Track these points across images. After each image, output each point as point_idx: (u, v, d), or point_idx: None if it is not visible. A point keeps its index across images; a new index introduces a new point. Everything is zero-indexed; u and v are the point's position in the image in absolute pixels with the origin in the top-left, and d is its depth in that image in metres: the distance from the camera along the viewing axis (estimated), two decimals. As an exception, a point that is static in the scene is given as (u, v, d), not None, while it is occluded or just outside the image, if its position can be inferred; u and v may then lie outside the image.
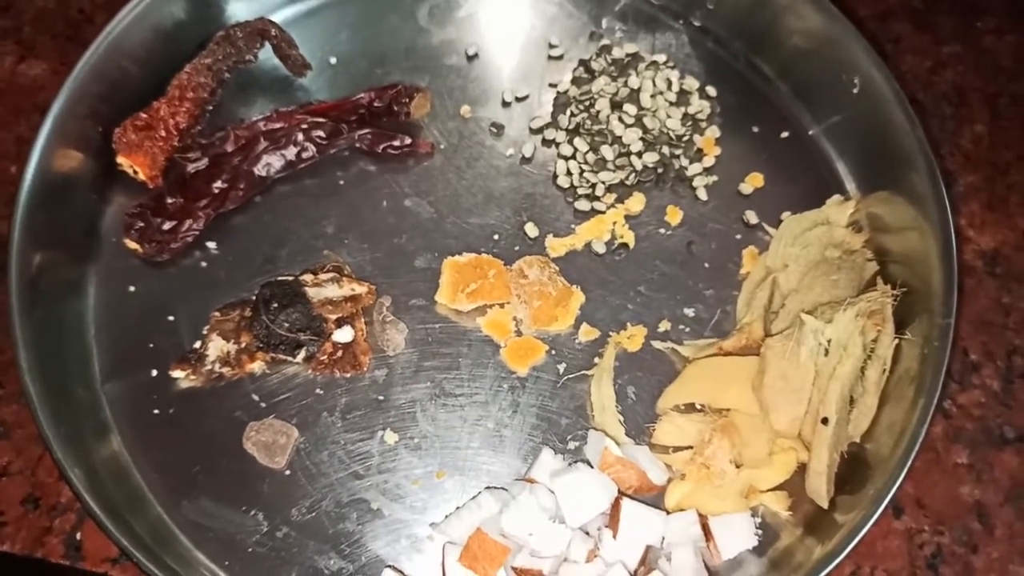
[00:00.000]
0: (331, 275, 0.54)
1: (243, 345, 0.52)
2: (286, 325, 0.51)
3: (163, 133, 0.56)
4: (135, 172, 0.56)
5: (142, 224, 0.55)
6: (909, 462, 0.46)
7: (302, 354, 0.52)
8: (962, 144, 0.65)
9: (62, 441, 0.47)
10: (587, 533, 0.48)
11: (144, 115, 0.56)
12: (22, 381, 0.47)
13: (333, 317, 0.52)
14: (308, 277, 0.54)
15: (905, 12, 0.70)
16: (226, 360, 0.52)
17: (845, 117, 0.60)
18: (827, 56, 0.60)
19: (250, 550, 0.48)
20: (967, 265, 0.60)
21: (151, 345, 0.53)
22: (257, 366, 0.52)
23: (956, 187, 0.63)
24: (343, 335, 0.53)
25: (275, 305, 0.51)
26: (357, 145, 0.59)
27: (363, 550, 0.49)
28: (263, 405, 0.52)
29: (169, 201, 0.55)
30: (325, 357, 0.52)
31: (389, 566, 0.48)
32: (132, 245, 0.55)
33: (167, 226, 0.55)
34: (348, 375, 0.53)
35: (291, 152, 0.58)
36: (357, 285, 0.53)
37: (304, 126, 0.58)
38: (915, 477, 0.53)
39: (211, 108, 0.60)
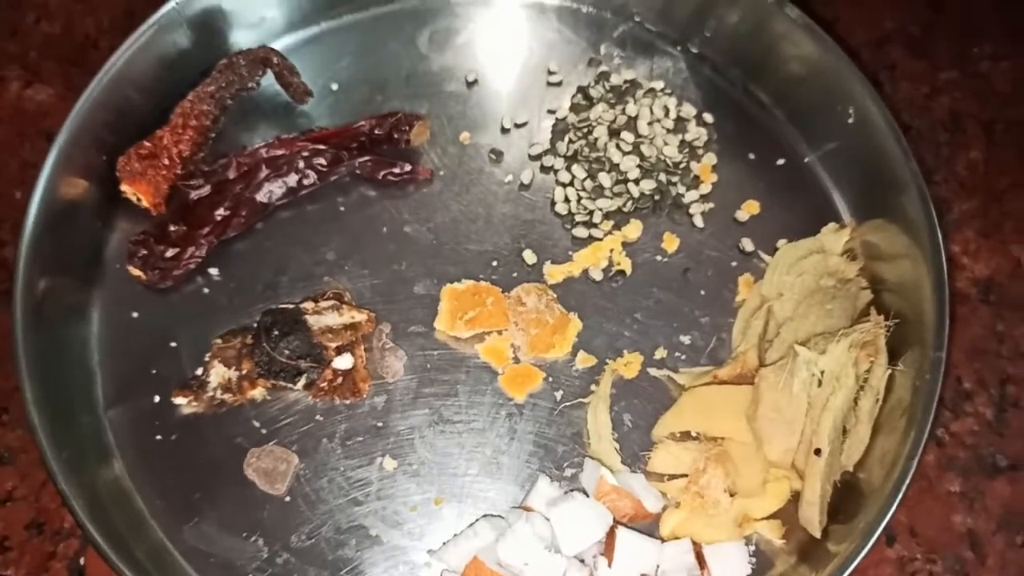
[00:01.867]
0: (331, 303, 0.54)
1: (244, 372, 0.53)
2: (287, 352, 0.52)
3: (166, 161, 0.57)
4: (138, 200, 0.57)
5: (145, 252, 0.55)
6: (901, 492, 0.46)
7: (302, 381, 0.53)
8: (957, 171, 0.65)
9: (64, 468, 0.47)
10: (582, 561, 0.48)
11: (148, 143, 0.57)
12: (26, 409, 0.48)
13: (333, 345, 0.53)
14: (309, 305, 0.54)
15: (902, 38, 0.71)
16: (227, 387, 0.53)
17: (840, 145, 0.61)
18: (822, 84, 0.61)
19: (250, 576, 0.49)
20: (961, 292, 0.60)
21: (153, 371, 0.54)
22: (258, 392, 0.53)
23: (951, 214, 0.63)
24: (343, 362, 0.53)
25: (276, 333, 0.52)
26: (357, 172, 0.60)
27: (361, 577, 0.49)
28: (264, 431, 0.53)
29: (172, 228, 0.56)
30: (325, 384, 0.53)
31: (387, 593, 0.48)
32: (135, 272, 0.55)
33: (170, 253, 0.56)
34: (348, 401, 0.53)
35: (292, 179, 0.58)
36: (357, 313, 0.54)
37: (305, 153, 0.59)
38: (908, 505, 0.54)
39: (213, 135, 0.61)
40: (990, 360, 0.58)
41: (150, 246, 0.56)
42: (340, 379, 0.53)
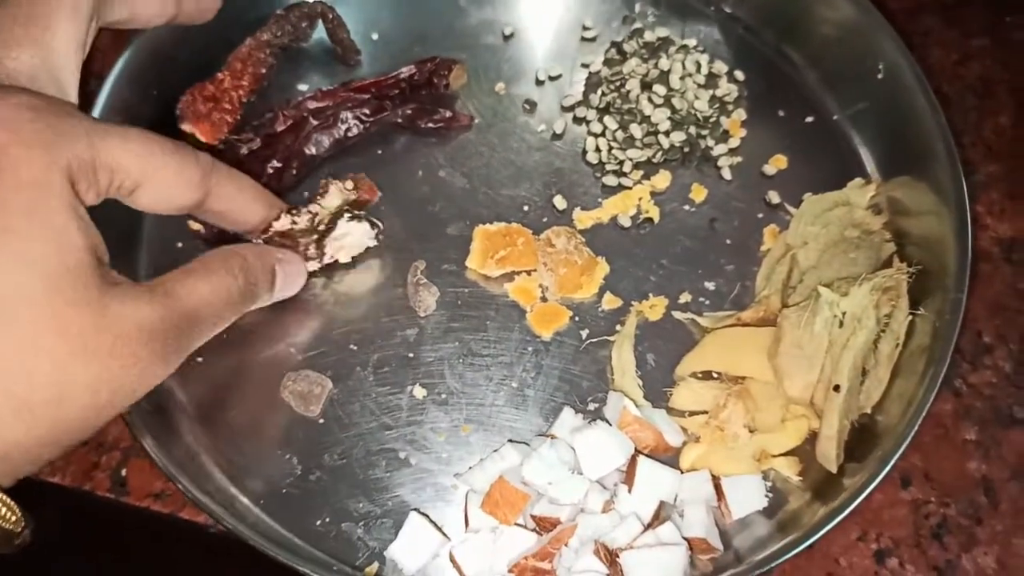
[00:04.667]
0: (348, 192, 0.53)
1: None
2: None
3: (227, 105, 0.59)
4: (197, 140, 0.58)
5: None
6: (916, 427, 0.47)
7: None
8: (985, 135, 0.66)
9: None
10: (604, 487, 0.50)
11: (210, 86, 0.59)
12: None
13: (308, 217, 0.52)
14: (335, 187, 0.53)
15: (935, 6, 0.72)
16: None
17: (870, 105, 0.62)
18: (855, 45, 0.62)
19: (284, 491, 0.51)
20: (984, 251, 0.61)
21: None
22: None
23: (977, 176, 0.64)
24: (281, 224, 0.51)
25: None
26: (399, 121, 0.61)
27: (390, 496, 0.51)
28: (299, 358, 0.55)
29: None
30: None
31: (415, 510, 0.50)
32: (195, 227, 0.57)
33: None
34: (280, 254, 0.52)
35: (340, 130, 0.60)
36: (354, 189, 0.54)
37: (350, 104, 0.60)
38: (924, 451, 0.55)
39: (266, 84, 0.62)
40: (1010, 316, 0.59)
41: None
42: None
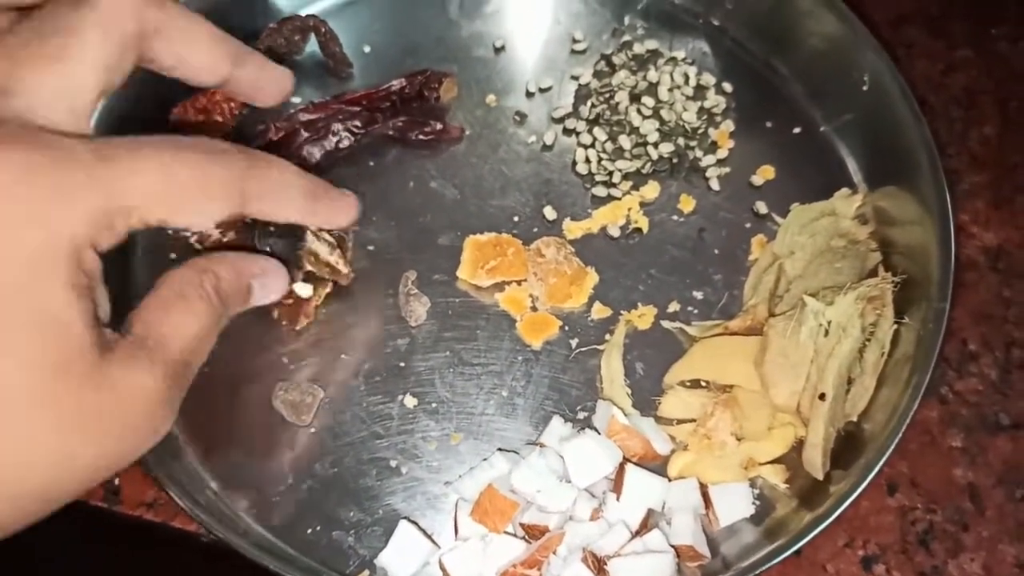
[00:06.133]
0: (334, 238, 0.55)
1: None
2: (268, 245, 0.52)
3: (219, 117, 0.60)
4: None
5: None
6: (901, 434, 0.48)
7: None
8: (970, 145, 0.67)
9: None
10: (592, 495, 0.50)
11: (202, 98, 0.59)
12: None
13: (307, 268, 0.53)
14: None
15: (920, 18, 0.73)
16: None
17: (856, 116, 0.63)
18: (841, 57, 0.63)
19: (275, 499, 0.51)
20: (970, 260, 0.62)
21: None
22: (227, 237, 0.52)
23: (962, 185, 0.65)
24: (304, 290, 0.54)
25: (272, 228, 0.52)
26: (391, 133, 0.62)
27: (381, 504, 0.52)
28: (291, 367, 0.55)
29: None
30: None
31: (405, 518, 0.50)
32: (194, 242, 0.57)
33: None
34: (284, 323, 0.55)
35: (330, 142, 0.61)
36: (344, 264, 0.55)
37: (341, 116, 0.61)
38: (910, 458, 0.55)
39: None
40: (996, 324, 0.60)
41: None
42: (290, 301, 0.55)
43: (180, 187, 0.37)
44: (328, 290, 0.56)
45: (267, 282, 0.47)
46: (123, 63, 0.41)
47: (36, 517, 0.36)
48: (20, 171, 0.33)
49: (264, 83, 0.49)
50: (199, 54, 0.45)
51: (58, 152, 0.34)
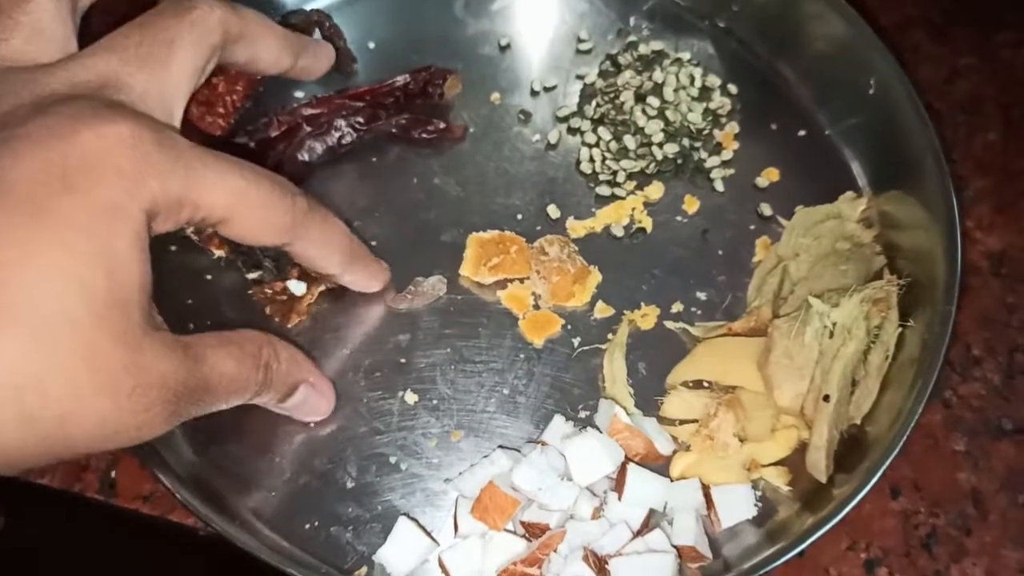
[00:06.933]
0: None
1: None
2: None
3: (221, 110, 0.59)
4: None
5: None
6: (905, 438, 0.48)
7: (255, 275, 0.55)
8: (974, 151, 0.67)
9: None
10: (593, 494, 0.50)
11: (204, 90, 0.59)
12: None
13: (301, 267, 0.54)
14: None
15: (924, 24, 0.73)
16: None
17: (861, 120, 0.63)
18: (847, 61, 0.62)
19: (274, 494, 0.51)
20: (973, 265, 0.62)
21: (189, 302, 0.56)
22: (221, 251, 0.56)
23: (966, 190, 0.65)
24: (297, 288, 0.55)
25: None
26: (394, 130, 0.62)
27: (380, 500, 0.51)
28: (291, 362, 0.55)
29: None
30: (270, 291, 0.55)
31: (404, 515, 0.50)
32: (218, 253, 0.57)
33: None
34: (276, 319, 0.56)
35: (333, 138, 0.61)
36: None
37: (344, 112, 0.61)
38: (913, 461, 0.55)
39: (261, 89, 0.62)
40: (999, 329, 0.59)
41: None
42: (284, 298, 0.55)
43: (246, 206, 0.41)
44: (322, 288, 0.56)
45: (311, 396, 0.50)
46: (207, 68, 0.46)
47: (29, 457, 0.36)
48: (127, 134, 0.36)
49: (313, 67, 0.57)
50: (268, 52, 0.51)
51: (161, 135, 0.38)
